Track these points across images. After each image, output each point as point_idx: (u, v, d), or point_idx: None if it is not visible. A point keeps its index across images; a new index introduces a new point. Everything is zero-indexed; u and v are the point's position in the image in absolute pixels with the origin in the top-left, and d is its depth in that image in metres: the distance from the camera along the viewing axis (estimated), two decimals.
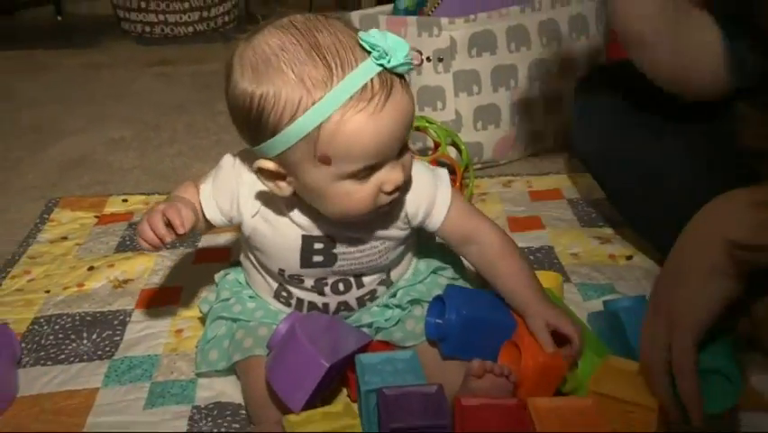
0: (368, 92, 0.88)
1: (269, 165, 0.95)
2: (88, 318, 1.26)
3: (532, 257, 1.40)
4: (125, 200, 1.67)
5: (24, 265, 1.44)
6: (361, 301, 1.10)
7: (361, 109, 0.88)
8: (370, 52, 0.89)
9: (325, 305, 1.09)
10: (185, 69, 2.67)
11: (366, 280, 1.09)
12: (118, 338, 1.21)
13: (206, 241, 1.49)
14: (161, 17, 3.02)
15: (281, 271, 1.06)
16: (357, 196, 0.95)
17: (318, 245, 1.03)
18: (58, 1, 3.33)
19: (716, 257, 0.86)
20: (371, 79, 0.89)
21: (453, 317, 1.02)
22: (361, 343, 1.05)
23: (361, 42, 0.89)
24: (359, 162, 0.92)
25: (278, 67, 0.89)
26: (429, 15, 1.79)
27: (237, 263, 1.19)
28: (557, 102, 1.80)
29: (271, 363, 0.99)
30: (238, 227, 1.08)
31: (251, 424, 1.02)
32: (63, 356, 1.18)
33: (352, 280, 1.08)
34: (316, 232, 1.02)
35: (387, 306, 1.11)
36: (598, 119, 1.36)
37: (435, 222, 1.06)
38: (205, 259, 1.42)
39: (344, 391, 1.07)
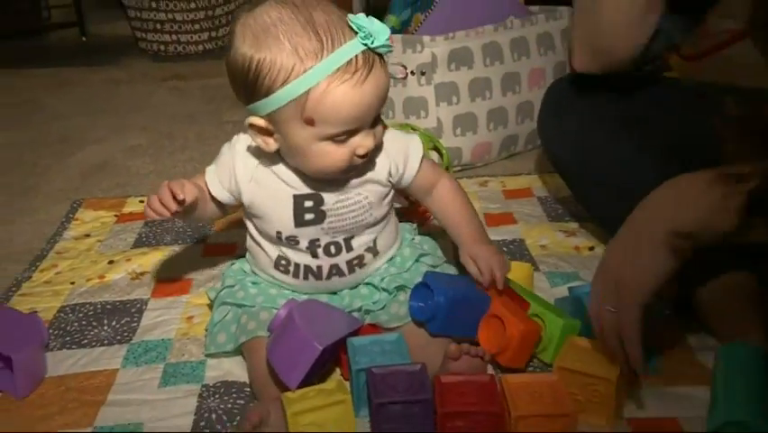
0: (352, 66, 0.93)
1: (259, 122, 0.99)
2: (108, 307, 1.26)
3: (505, 249, 1.40)
4: (142, 201, 1.66)
5: (52, 260, 1.43)
6: (351, 266, 1.11)
7: (346, 80, 0.93)
8: (357, 33, 0.93)
9: (319, 268, 1.10)
10: (195, 84, 2.67)
11: (355, 244, 1.09)
12: (135, 324, 1.21)
13: (214, 238, 1.48)
14: (174, 37, 3.02)
15: (279, 233, 1.07)
16: (333, 156, 0.99)
17: (308, 203, 1.05)
18: (82, 23, 3.31)
19: (663, 236, 0.87)
20: (356, 56, 0.93)
21: (441, 299, 1.03)
22: (352, 327, 1.06)
23: (350, 23, 0.93)
24: (338, 127, 0.96)
25: (276, 36, 0.93)
26: (413, 34, 1.78)
27: (241, 256, 1.19)
28: (528, 110, 1.80)
29: (271, 345, 0.99)
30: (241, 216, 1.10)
31: (254, 400, 1.02)
32: (86, 341, 1.18)
33: (342, 242, 1.09)
34: (305, 190, 1.05)
35: (376, 288, 1.12)
36: (564, 124, 1.36)
37: (410, 174, 1.11)
38: (213, 253, 1.41)
39: (338, 370, 1.07)
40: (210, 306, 1.19)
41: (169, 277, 1.34)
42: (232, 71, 0.99)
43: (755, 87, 0.99)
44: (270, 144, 1.01)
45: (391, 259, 1.15)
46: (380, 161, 1.07)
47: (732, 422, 0.89)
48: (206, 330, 1.14)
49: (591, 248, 1.38)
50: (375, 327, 1.10)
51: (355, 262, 1.11)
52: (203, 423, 0.99)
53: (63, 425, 1.00)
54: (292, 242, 1.07)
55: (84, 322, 1.22)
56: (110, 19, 3.34)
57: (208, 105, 2.41)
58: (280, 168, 1.05)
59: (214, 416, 1.00)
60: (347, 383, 0.99)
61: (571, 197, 1.47)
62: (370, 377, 0.94)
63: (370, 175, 1.07)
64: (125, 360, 1.13)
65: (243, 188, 1.06)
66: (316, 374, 1.00)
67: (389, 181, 1.09)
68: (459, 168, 1.78)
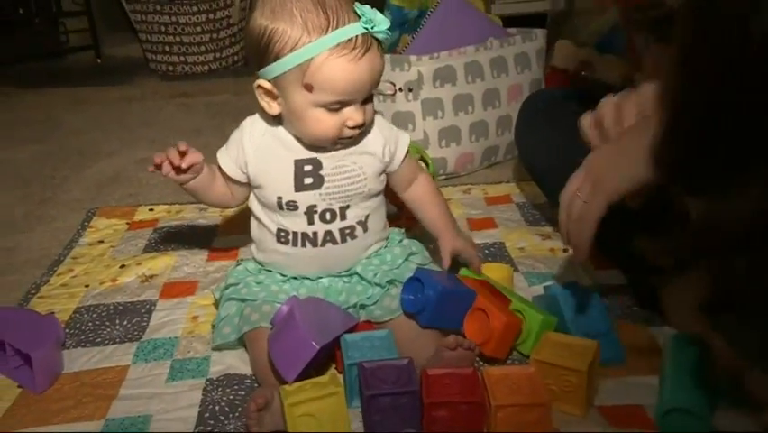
0: (352, 44, 0.98)
1: (266, 84, 1.04)
2: (120, 308, 1.26)
3: (486, 251, 1.39)
4: (151, 210, 1.66)
5: (68, 264, 1.43)
6: (343, 235, 1.11)
7: (344, 55, 0.98)
8: (360, 17, 0.99)
9: (315, 234, 1.10)
10: (201, 100, 2.67)
11: (349, 214, 1.11)
12: (145, 324, 1.21)
13: (217, 243, 1.48)
14: (182, 58, 3.02)
15: (279, 199, 1.08)
16: (325, 124, 1.03)
17: (308, 167, 1.08)
18: (97, 46, 3.31)
19: (645, 149, 0.87)
20: (357, 36, 0.99)
21: (431, 292, 1.03)
22: (348, 325, 1.05)
23: (355, 9, 1.00)
24: (333, 96, 1.01)
25: (290, 10, 0.99)
26: (401, 54, 1.79)
27: (243, 260, 1.19)
28: (507, 123, 1.80)
29: (272, 339, 0.99)
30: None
31: (255, 388, 1.02)
32: (99, 339, 1.17)
33: (337, 210, 1.10)
34: (305, 155, 1.08)
35: (369, 283, 1.12)
36: (538, 135, 1.36)
37: (399, 157, 1.15)
38: (217, 258, 1.41)
39: (332, 364, 1.07)
40: (215, 305, 1.19)
41: (176, 280, 1.34)
42: (248, 38, 1.05)
43: None
44: (273, 107, 1.06)
45: (382, 256, 1.15)
46: (375, 137, 1.11)
47: (676, 409, 0.89)
48: (213, 326, 1.14)
49: (565, 250, 1.38)
50: (369, 324, 1.10)
51: (347, 231, 1.11)
52: (207, 414, 0.98)
53: (78, 417, 0.99)
54: (291, 206, 1.08)
55: (97, 322, 1.22)
56: (123, 42, 3.34)
57: (212, 119, 2.41)
58: (282, 134, 1.09)
59: (217, 408, 1.00)
60: (340, 377, 0.99)
61: (547, 203, 1.47)
62: (361, 371, 0.94)
63: (365, 147, 1.10)
64: (135, 357, 1.12)
65: (250, 158, 1.10)
66: (313, 367, 1.00)
67: (383, 158, 1.12)
68: (444, 176, 1.78)
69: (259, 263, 1.16)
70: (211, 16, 2.97)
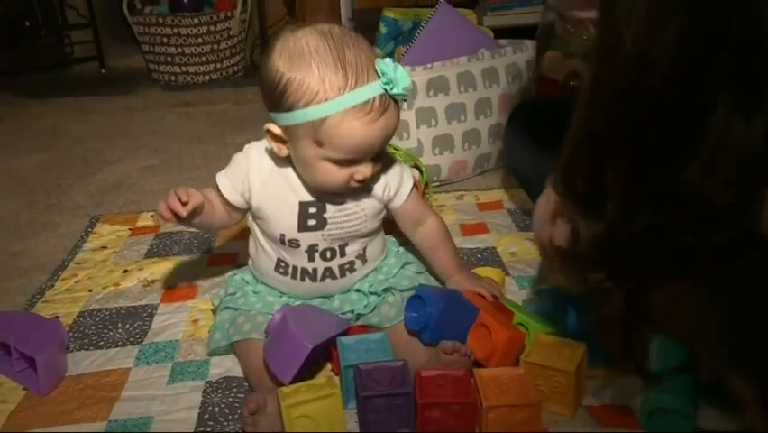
0: (368, 106, 0.92)
1: (276, 130, 0.99)
2: (122, 312, 1.25)
3: (479, 255, 1.40)
4: (153, 216, 1.65)
5: (72, 270, 1.42)
6: (342, 270, 1.10)
7: (359, 118, 0.92)
8: (380, 76, 0.92)
9: (314, 270, 1.09)
10: (202, 110, 2.66)
11: (348, 250, 1.09)
12: (146, 327, 1.20)
13: (217, 248, 1.48)
14: (184, 68, 3.02)
15: (282, 236, 1.06)
16: (333, 176, 0.99)
17: (312, 210, 1.05)
18: (101, 57, 3.31)
19: None
20: (374, 98, 0.92)
21: (433, 310, 1.02)
22: (340, 328, 1.05)
23: (376, 66, 0.93)
24: (343, 154, 0.96)
25: (308, 63, 0.92)
26: None
27: (243, 265, 1.18)
28: (498, 131, 1.80)
29: (267, 345, 0.99)
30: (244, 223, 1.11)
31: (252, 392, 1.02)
32: (102, 342, 1.17)
33: (337, 248, 1.08)
34: (311, 198, 1.04)
35: (365, 294, 1.11)
36: (526, 144, 1.36)
37: (400, 199, 1.11)
38: (217, 263, 1.40)
39: (328, 366, 1.07)
40: (214, 311, 1.19)
41: (177, 284, 1.33)
42: (263, 79, 0.98)
43: None
44: (282, 150, 1.01)
45: (377, 268, 1.15)
46: (378, 179, 1.07)
47: (661, 408, 0.89)
48: (209, 331, 1.13)
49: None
50: (363, 328, 1.10)
51: (347, 266, 1.10)
52: (207, 416, 0.98)
53: (81, 419, 0.99)
54: (293, 244, 1.07)
55: (100, 326, 1.21)
56: (126, 53, 3.33)
57: (213, 128, 2.40)
58: (290, 176, 1.05)
59: (216, 409, 0.99)
60: (336, 379, 0.99)
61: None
62: (356, 373, 0.94)
63: (368, 190, 1.07)
64: (137, 360, 1.12)
65: (255, 192, 1.06)
66: (308, 370, 1.00)
67: (382, 198, 1.09)
68: (438, 183, 1.78)
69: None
70: (212, 28, 2.97)
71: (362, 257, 1.11)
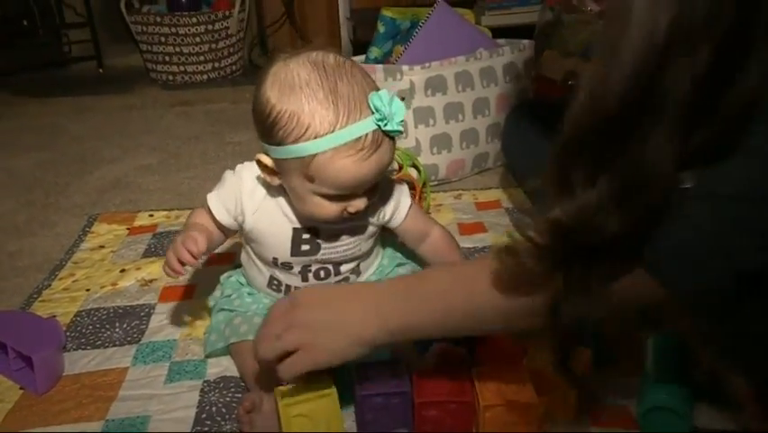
0: (360, 143, 0.88)
1: (267, 161, 0.95)
2: (120, 311, 1.25)
3: (477, 255, 1.39)
4: (151, 215, 1.65)
5: (70, 269, 1.42)
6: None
7: (351, 155, 0.88)
8: (373, 112, 0.88)
9: None
10: (200, 109, 2.66)
11: (342, 268, 1.08)
12: (144, 327, 1.20)
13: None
14: (182, 68, 3.02)
15: (275, 259, 1.05)
16: (325, 209, 0.95)
17: (306, 236, 1.02)
18: (99, 57, 3.31)
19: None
20: (367, 134, 0.88)
21: None
22: None
23: (369, 101, 0.88)
24: (334, 190, 0.93)
25: (299, 96, 0.88)
26: (394, 64, 1.79)
27: (239, 265, 1.18)
28: (496, 131, 1.80)
29: None
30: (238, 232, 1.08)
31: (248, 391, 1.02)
32: (100, 342, 1.16)
33: (331, 268, 1.07)
34: (304, 224, 1.02)
35: None
36: (524, 143, 1.36)
37: (398, 220, 1.08)
38: (215, 262, 1.40)
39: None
40: (208, 313, 1.18)
41: (175, 283, 1.33)
42: (254, 108, 0.94)
43: None
44: (273, 181, 0.98)
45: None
46: (374, 204, 1.04)
47: (657, 408, 0.89)
48: (204, 334, 1.13)
49: None
50: None
51: (341, 282, 1.09)
52: (204, 415, 0.98)
53: (78, 418, 0.99)
54: (286, 266, 1.06)
55: (98, 325, 1.21)
56: (124, 53, 3.33)
57: (212, 127, 2.40)
58: (283, 203, 1.02)
59: (214, 409, 0.99)
60: (333, 378, 0.99)
61: (534, 208, 1.46)
62: (355, 371, 0.94)
63: (362, 218, 1.04)
64: (135, 359, 1.12)
65: (248, 218, 1.03)
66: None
67: (377, 222, 1.07)
68: (436, 182, 1.78)
69: None
70: (210, 27, 2.97)
71: (356, 271, 1.10)
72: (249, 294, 1.12)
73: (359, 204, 0.95)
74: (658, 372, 0.94)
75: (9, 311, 1.25)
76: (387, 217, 1.08)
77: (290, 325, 0.84)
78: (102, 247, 1.51)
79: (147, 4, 3.15)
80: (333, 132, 0.87)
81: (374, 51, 1.95)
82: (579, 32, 2.31)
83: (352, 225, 1.04)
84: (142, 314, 1.24)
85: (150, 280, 1.35)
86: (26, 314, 1.23)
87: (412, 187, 1.46)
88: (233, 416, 0.97)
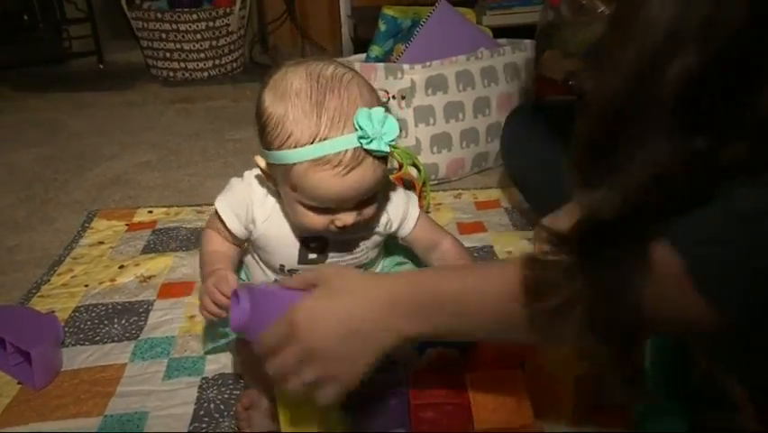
0: (338, 159, 0.86)
1: (261, 163, 0.95)
2: (119, 307, 1.25)
3: (476, 254, 1.39)
4: (150, 211, 1.65)
5: (68, 265, 1.42)
6: None
7: (326, 170, 0.86)
8: (357, 129, 0.86)
9: None
10: (200, 106, 2.66)
11: None
12: (142, 323, 1.20)
13: None
14: (182, 64, 3.02)
15: (282, 266, 1.04)
16: (311, 220, 0.93)
17: (313, 244, 1.01)
18: (99, 52, 3.31)
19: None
20: (347, 151, 0.86)
21: None
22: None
23: (355, 117, 0.86)
24: (315, 202, 0.91)
25: (286, 104, 0.87)
26: (394, 62, 1.79)
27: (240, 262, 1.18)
28: (497, 131, 1.80)
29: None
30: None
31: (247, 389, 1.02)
32: (98, 338, 1.17)
33: None
34: (312, 233, 1.00)
35: None
36: (524, 145, 1.36)
37: (406, 230, 1.07)
38: None
39: None
40: None
41: (174, 280, 1.33)
42: (256, 107, 0.93)
43: None
44: (271, 188, 0.98)
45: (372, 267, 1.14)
46: (378, 215, 1.03)
47: (654, 407, 0.89)
48: (204, 329, 1.13)
49: None
50: None
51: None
52: (202, 412, 0.98)
53: (76, 413, 0.99)
54: (292, 273, 1.05)
55: (96, 321, 1.21)
56: (125, 49, 3.33)
57: (212, 124, 2.40)
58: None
59: (212, 405, 1.00)
60: None
61: (531, 209, 1.47)
62: None
63: (371, 226, 1.03)
64: (133, 355, 1.12)
65: (258, 225, 1.02)
66: None
67: (383, 232, 1.06)
68: (436, 182, 1.78)
69: None
70: (210, 24, 2.97)
71: None
72: None
73: (346, 219, 0.93)
74: (656, 372, 0.94)
75: (7, 306, 1.25)
76: (394, 227, 1.06)
77: (304, 358, 0.77)
78: (101, 243, 1.51)
79: (148, 1, 3.15)
80: (312, 143, 0.86)
81: (375, 50, 1.95)
82: (580, 33, 2.31)
83: (360, 234, 1.03)
84: (141, 310, 1.24)
85: (149, 277, 1.35)
86: (25, 309, 1.23)
87: (412, 186, 1.47)
88: (231, 413, 0.97)
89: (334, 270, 0.83)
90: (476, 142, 1.80)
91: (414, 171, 1.57)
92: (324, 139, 0.86)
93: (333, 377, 0.76)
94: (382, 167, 0.91)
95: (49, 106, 2.72)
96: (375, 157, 0.88)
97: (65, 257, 1.45)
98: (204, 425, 0.96)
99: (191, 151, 2.13)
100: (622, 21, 0.63)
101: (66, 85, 3.03)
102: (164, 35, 2.97)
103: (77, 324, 1.20)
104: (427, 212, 1.52)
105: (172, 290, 1.30)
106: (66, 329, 1.18)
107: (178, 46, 2.98)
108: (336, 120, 0.86)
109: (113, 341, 1.16)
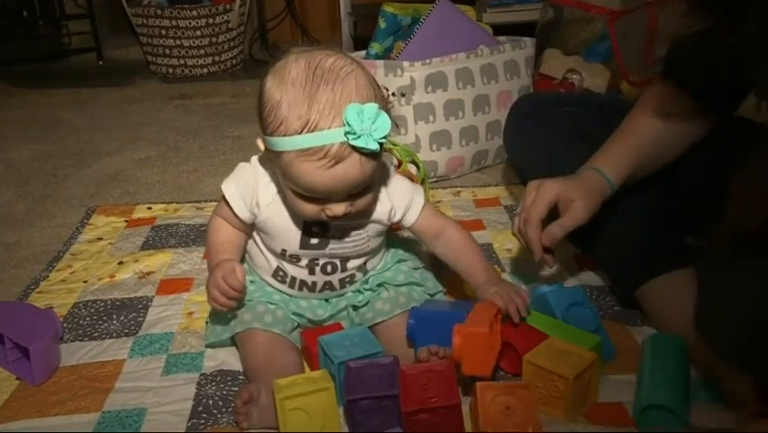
0: (323, 152, 0.87)
1: (261, 146, 0.96)
2: (117, 303, 1.25)
3: None
4: (149, 208, 1.65)
5: (67, 261, 1.42)
6: (342, 283, 1.09)
7: (311, 161, 0.88)
8: (345, 124, 0.87)
9: (314, 283, 1.08)
10: (199, 102, 2.66)
11: (349, 265, 1.07)
12: (141, 319, 1.20)
13: None
14: (182, 61, 3.01)
15: (283, 251, 1.05)
16: (302, 207, 0.96)
17: (315, 229, 1.02)
18: (99, 49, 3.29)
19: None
20: (333, 144, 0.87)
21: (412, 322, 1.02)
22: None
23: (344, 112, 0.86)
24: (302, 191, 0.93)
25: (282, 92, 0.89)
26: (394, 60, 1.79)
27: None
28: (496, 128, 1.80)
29: None
30: None
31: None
32: (97, 334, 1.17)
33: (338, 263, 1.07)
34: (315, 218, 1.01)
35: (360, 291, 1.11)
36: (527, 136, 1.36)
37: (411, 219, 1.08)
38: None
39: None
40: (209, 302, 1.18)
41: (173, 276, 1.33)
42: (258, 89, 0.94)
43: None
44: (270, 168, 0.99)
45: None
46: (384, 204, 1.05)
47: (653, 406, 0.89)
48: (206, 323, 1.13)
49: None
50: (337, 325, 1.10)
51: (347, 279, 1.09)
52: (200, 408, 0.98)
53: (75, 409, 0.99)
54: (294, 259, 1.06)
55: (95, 317, 1.21)
56: (124, 45, 3.32)
57: (211, 121, 2.40)
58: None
59: (210, 402, 1.00)
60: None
61: None
62: (346, 371, 0.93)
63: (374, 215, 1.04)
64: (132, 351, 1.12)
65: (262, 208, 1.02)
66: None
67: (387, 222, 1.07)
68: (435, 179, 1.78)
69: None
70: (210, 21, 2.96)
71: (363, 269, 1.10)
72: (251, 282, 1.11)
73: (336, 209, 0.94)
74: (655, 370, 0.94)
75: (6, 302, 1.25)
76: (398, 217, 1.07)
77: None
78: (100, 239, 1.51)
79: None
80: (299, 133, 0.88)
81: (375, 47, 1.95)
82: (579, 31, 2.31)
83: (361, 222, 1.04)
84: (140, 306, 1.24)
85: (148, 273, 1.35)
86: (23, 305, 1.22)
87: None
88: (230, 409, 0.97)
89: None
90: (475, 139, 1.80)
91: (413, 169, 1.57)
92: (312, 130, 0.87)
93: None
94: (371, 163, 0.91)
95: (48, 103, 2.71)
96: (363, 153, 0.89)
97: (64, 253, 1.45)
98: (202, 421, 0.96)
99: (190, 147, 2.13)
100: None
101: (65, 81, 3.03)
102: (164, 31, 2.96)
103: (76, 320, 1.20)
104: None
105: (171, 286, 1.30)
106: (64, 325, 1.18)
107: (178, 42, 2.97)
108: (326, 113, 0.87)
109: (111, 337, 1.15)
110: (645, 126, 1.12)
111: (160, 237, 1.50)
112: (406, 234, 1.25)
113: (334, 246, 1.04)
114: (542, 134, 1.32)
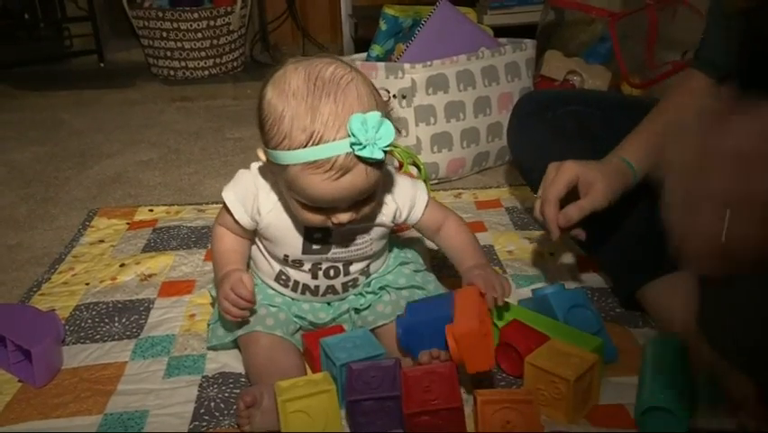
0: (329, 164, 0.87)
1: (262, 156, 0.96)
2: (119, 306, 1.25)
3: None
4: (151, 210, 1.65)
5: (69, 263, 1.42)
6: (345, 287, 1.09)
7: (319, 173, 0.88)
8: (350, 135, 0.86)
9: (316, 287, 1.08)
10: (200, 104, 2.66)
11: (352, 268, 1.07)
12: (143, 321, 1.20)
13: None
14: (183, 63, 3.02)
15: (286, 256, 1.05)
16: (308, 217, 0.96)
17: (317, 235, 1.02)
18: (100, 51, 3.30)
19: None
20: (338, 156, 0.87)
21: (400, 331, 1.00)
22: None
23: (349, 123, 0.86)
24: (309, 202, 0.93)
25: (283, 105, 0.89)
26: (395, 62, 1.79)
27: None
28: (497, 130, 1.80)
29: None
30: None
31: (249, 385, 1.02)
32: (98, 336, 1.17)
33: (341, 267, 1.07)
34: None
35: (361, 294, 1.11)
36: (530, 135, 1.36)
37: (414, 218, 1.08)
38: None
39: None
40: (212, 304, 1.19)
41: (174, 279, 1.33)
42: (258, 100, 0.94)
43: None
44: (272, 178, 0.99)
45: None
46: (388, 206, 1.05)
47: (654, 408, 0.89)
48: (208, 325, 1.13)
49: (552, 253, 1.38)
50: (339, 328, 1.10)
51: (350, 283, 1.09)
52: (202, 410, 0.98)
53: (77, 412, 0.99)
54: (296, 263, 1.06)
55: (97, 319, 1.21)
56: (125, 47, 3.33)
57: (212, 123, 2.40)
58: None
59: (212, 404, 0.99)
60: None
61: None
62: (348, 373, 0.93)
63: (378, 218, 1.04)
64: (133, 353, 1.12)
65: (263, 215, 1.02)
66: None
67: (391, 223, 1.07)
68: (436, 181, 1.78)
69: None
70: (211, 23, 2.97)
71: (366, 272, 1.10)
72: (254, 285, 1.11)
73: (342, 217, 0.94)
74: (656, 372, 0.94)
75: (8, 305, 1.25)
76: (403, 217, 1.07)
77: None
78: (102, 241, 1.51)
79: None
80: (304, 147, 0.87)
81: (376, 49, 1.95)
82: (580, 33, 2.31)
83: (364, 225, 1.04)
84: (142, 308, 1.24)
85: (150, 275, 1.35)
86: (25, 307, 1.22)
87: None
88: (232, 411, 0.97)
89: None
90: (476, 141, 1.80)
91: (414, 171, 1.57)
92: (317, 143, 0.87)
93: None
94: (376, 172, 0.92)
95: (49, 105, 2.72)
96: (368, 163, 0.89)
97: (65, 255, 1.45)
98: (204, 423, 0.96)
99: (191, 149, 2.13)
100: None
101: (67, 83, 3.03)
102: (165, 34, 2.97)
103: (78, 322, 1.20)
104: None
105: (173, 288, 1.30)
106: (66, 327, 1.18)
107: (179, 45, 2.98)
108: (330, 125, 0.87)
109: (113, 339, 1.15)
110: (674, 116, 1.11)
111: (162, 239, 1.50)
112: (407, 234, 1.25)
113: (337, 251, 1.04)
114: (544, 134, 1.32)
